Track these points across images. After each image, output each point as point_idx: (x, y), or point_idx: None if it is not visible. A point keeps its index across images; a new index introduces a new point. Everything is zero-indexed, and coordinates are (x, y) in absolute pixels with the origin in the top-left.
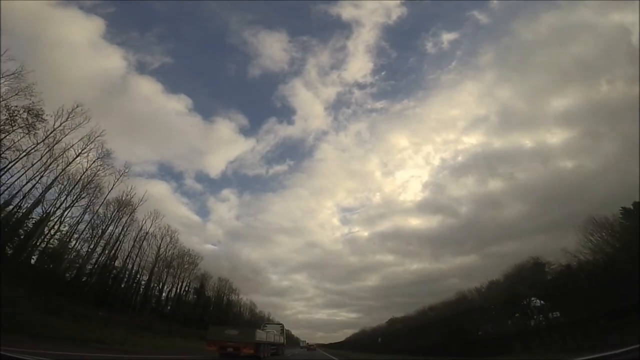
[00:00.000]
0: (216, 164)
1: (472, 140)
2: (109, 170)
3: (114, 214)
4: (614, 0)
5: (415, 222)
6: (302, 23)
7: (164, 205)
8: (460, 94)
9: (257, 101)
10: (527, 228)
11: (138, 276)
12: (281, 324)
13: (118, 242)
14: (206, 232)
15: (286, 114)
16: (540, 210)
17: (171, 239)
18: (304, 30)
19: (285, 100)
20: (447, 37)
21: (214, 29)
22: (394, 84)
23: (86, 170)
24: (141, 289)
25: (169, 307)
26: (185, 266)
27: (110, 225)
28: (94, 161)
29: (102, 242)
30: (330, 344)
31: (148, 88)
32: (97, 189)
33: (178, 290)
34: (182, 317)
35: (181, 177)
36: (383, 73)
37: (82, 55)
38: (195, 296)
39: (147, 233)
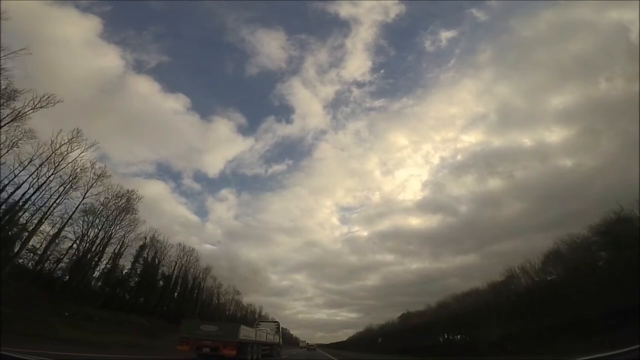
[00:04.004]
0: (214, 163)
1: (471, 139)
2: None
3: None
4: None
5: (414, 222)
6: (300, 21)
7: (162, 206)
8: (459, 92)
9: (256, 100)
10: (527, 226)
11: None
12: (277, 321)
13: None
14: (205, 232)
15: (285, 112)
16: (539, 209)
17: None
18: (302, 28)
19: (283, 99)
20: (446, 35)
21: (211, 27)
22: (392, 83)
23: None
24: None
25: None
26: (112, 209)
27: None
28: None
29: None
30: (331, 343)
31: (145, 87)
32: None
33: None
34: (117, 299)
35: (179, 177)
36: (382, 71)
37: (78, 54)
38: (139, 265)
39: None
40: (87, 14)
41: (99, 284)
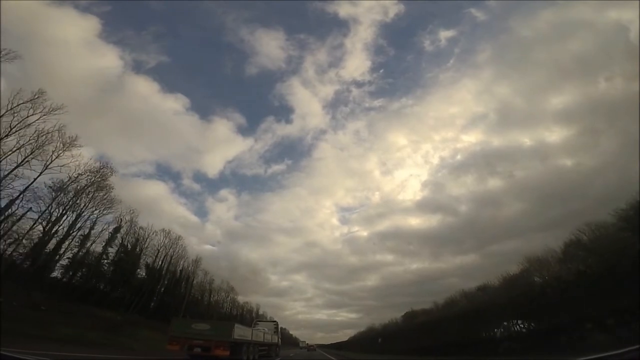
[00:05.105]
0: (214, 163)
1: (471, 139)
2: None
3: None
4: None
5: (414, 222)
6: (299, 21)
7: (161, 206)
8: (458, 91)
9: (255, 100)
10: (527, 226)
11: None
12: (275, 321)
13: None
14: (205, 232)
15: (284, 112)
16: (539, 209)
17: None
18: (301, 28)
19: (283, 99)
20: (445, 34)
21: (210, 27)
22: (392, 82)
23: None
24: None
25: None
26: (84, 184)
27: None
28: None
29: None
30: (332, 344)
31: (144, 87)
32: None
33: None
34: (83, 289)
35: (179, 177)
36: (381, 71)
37: (77, 54)
38: (111, 250)
39: None
40: (86, 14)
41: (60, 270)
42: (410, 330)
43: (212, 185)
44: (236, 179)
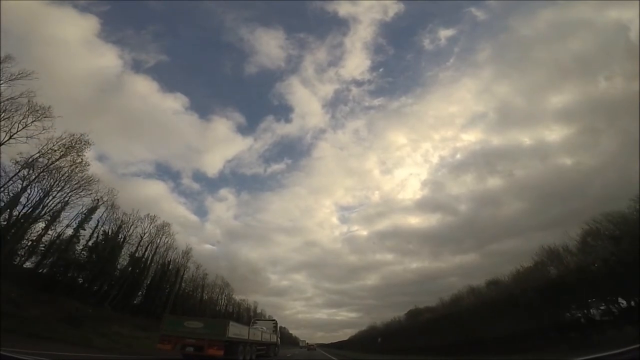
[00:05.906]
0: (214, 163)
1: (471, 138)
2: None
3: None
4: None
5: (414, 221)
6: (298, 20)
7: (161, 205)
8: (458, 90)
9: (254, 99)
10: (527, 225)
11: None
12: (274, 320)
13: None
14: (204, 232)
15: (284, 112)
16: (539, 208)
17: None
18: (301, 27)
19: (282, 98)
20: (445, 33)
21: (210, 26)
22: (391, 81)
23: None
24: None
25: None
26: (58, 162)
27: None
28: None
29: None
30: (332, 343)
31: (144, 87)
32: None
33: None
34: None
35: (178, 177)
36: (381, 70)
37: (76, 54)
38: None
39: None
40: (85, 13)
41: (23, 255)
42: (414, 328)
43: (212, 184)
44: (236, 178)
